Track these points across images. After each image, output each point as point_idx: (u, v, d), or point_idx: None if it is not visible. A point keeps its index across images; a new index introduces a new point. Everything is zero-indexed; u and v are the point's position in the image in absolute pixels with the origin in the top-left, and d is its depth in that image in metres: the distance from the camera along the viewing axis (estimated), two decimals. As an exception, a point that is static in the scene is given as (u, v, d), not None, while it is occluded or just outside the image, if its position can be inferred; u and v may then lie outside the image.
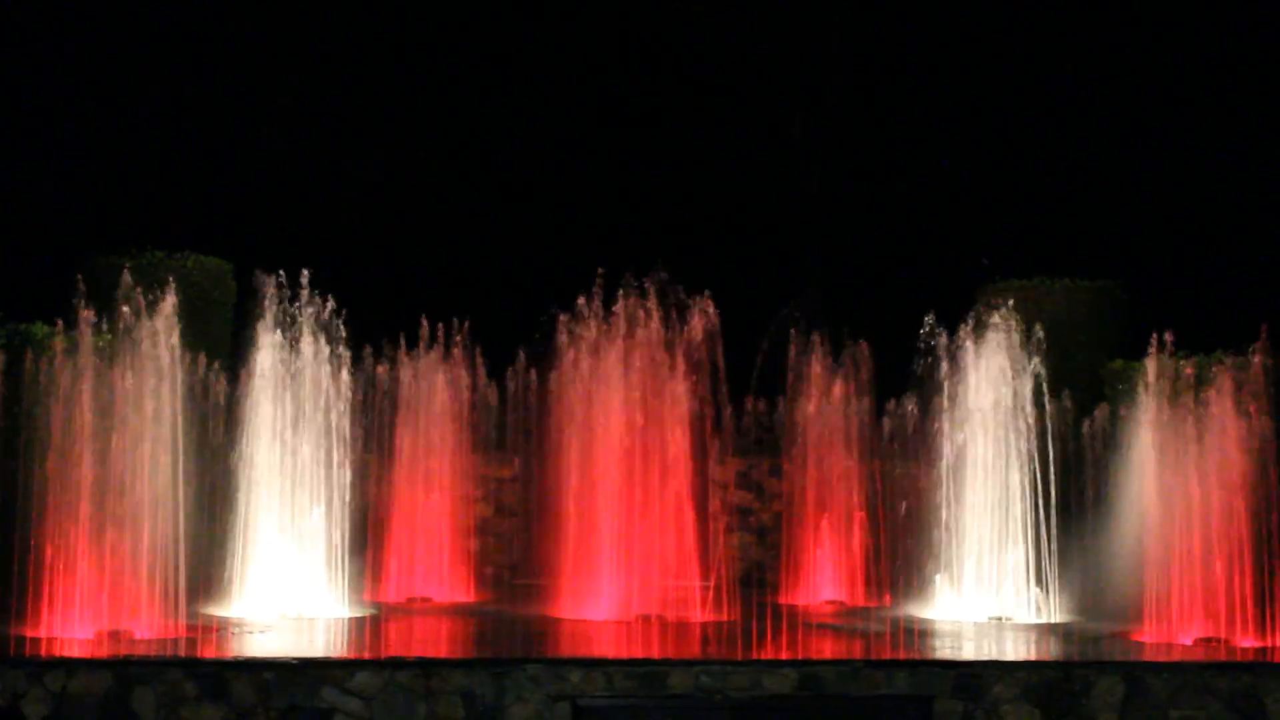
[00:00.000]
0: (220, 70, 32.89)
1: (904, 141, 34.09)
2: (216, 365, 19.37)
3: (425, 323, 21.95)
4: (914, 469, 21.56)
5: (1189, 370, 18.30)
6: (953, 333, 20.38)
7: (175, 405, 16.68)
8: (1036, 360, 19.98)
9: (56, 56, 31.90)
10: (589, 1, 34.39)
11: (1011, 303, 21.12)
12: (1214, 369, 18.01)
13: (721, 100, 34.73)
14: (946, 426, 20.29)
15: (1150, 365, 18.49)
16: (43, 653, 14.55)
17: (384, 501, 21.45)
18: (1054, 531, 19.62)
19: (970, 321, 20.46)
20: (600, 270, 19.55)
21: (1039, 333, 20.07)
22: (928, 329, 20.42)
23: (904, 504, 21.38)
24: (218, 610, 18.06)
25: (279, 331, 19.10)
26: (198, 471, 17.65)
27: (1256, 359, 17.80)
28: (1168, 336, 18.69)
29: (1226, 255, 30.66)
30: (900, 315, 22.07)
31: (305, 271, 19.17)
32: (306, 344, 19.16)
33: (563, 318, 19.98)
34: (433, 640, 17.35)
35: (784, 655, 15.59)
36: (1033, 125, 33.35)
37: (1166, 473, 17.66)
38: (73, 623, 15.72)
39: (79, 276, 17.20)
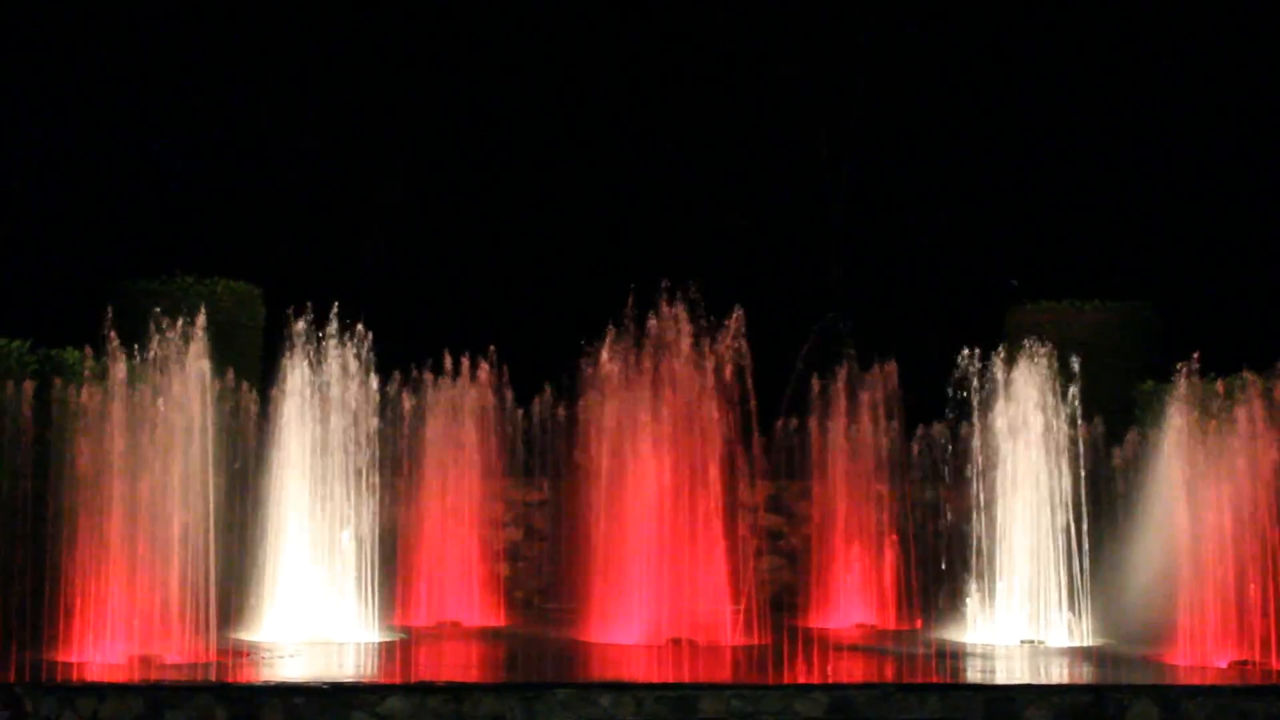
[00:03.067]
0: (248, 96, 33.05)
1: (931, 161, 34.05)
2: (246, 388, 19.40)
3: (453, 347, 21.96)
4: (945, 492, 21.49)
5: (1219, 391, 18.22)
6: (984, 356, 20.33)
7: (205, 431, 16.73)
8: (1067, 384, 19.91)
9: (85, 84, 32.09)
10: (615, 24, 34.47)
11: (1041, 325, 21.03)
12: (1245, 389, 17.89)
13: (747, 120, 34.76)
14: (977, 450, 20.22)
15: (1180, 387, 18.41)
16: (74, 678, 14.59)
17: (413, 526, 21.45)
18: (1086, 554, 19.52)
19: (1001, 345, 20.40)
20: (630, 294, 19.56)
21: (1070, 356, 20.00)
22: (960, 354, 20.36)
23: (934, 527, 21.34)
24: (248, 635, 18.08)
25: (308, 358, 19.15)
26: (227, 496, 17.70)
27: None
28: (1194, 357, 18.62)
29: (1257, 274, 30.53)
30: (929, 336, 22.03)
31: (334, 298, 19.25)
32: (335, 370, 19.21)
33: (591, 341, 19.98)
34: (463, 665, 17.32)
35: (815, 679, 15.57)
36: (1062, 145, 33.29)
37: (1198, 494, 17.56)
38: (104, 648, 15.75)
39: (108, 303, 17.26)
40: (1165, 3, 32.59)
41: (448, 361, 21.85)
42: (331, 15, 33.98)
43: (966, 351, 20.36)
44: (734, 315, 19.42)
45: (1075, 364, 19.98)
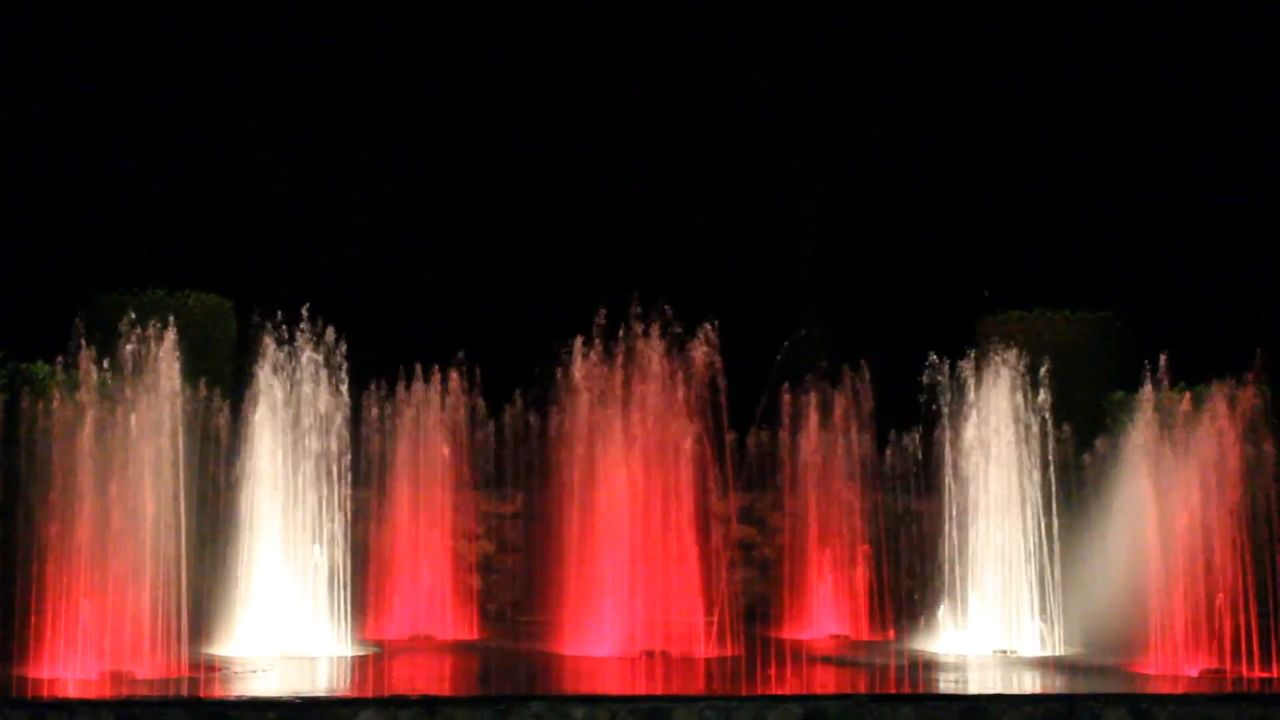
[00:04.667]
0: (221, 109, 32.98)
1: (902, 172, 34.13)
2: (216, 401, 19.30)
3: (424, 356, 21.92)
4: (917, 502, 21.53)
5: (1187, 400, 18.29)
6: (954, 366, 20.37)
7: (176, 445, 16.66)
8: (1038, 393, 19.97)
9: (58, 94, 31.99)
10: (588, 36, 34.49)
11: (1012, 334, 21.10)
12: (1213, 399, 17.98)
13: (719, 130, 34.81)
14: (949, 460, 20.27)
15: (1149, 396, 18.48)
16: (44, 694, 14.51)
17: (385, 539, 21.40)
18: (1057, 563, 19.57)
19: (972, 355, 20.45)
20: (601, 308, 19.56)
21: (1041, 365, 20.06)
22: (930, 363, 20.41)
23: (906, 537, 21.37)
24: (219, 650, 18.00)
25: (279, 371, 19.10)
26: (198, 512, 17.62)
27: (1249, 389, 17.79)
28: (1162, 365, 18.70)
29: (1227, 284, 30.67)
30: (901, 347, 22.08)
31: (305, 310, 19.21)
32: (307, 383, 19.16)
33: (563, 353, 19.96)
34: (436, 678, 17.30)
35: (788, 690, 15.57)
36: (1033, 156, 33.40)
37: (1168, 504, 17.63)
38: (75, 664, 15.67)
39: (79, 316, 17.18)
40: (1133, 15, 32.72)
41: (419, 372, 21.81)
42: (302, 28, 33.91)
43: (934, 357, 20.40)
44: (706, 326, 19.42)
45: (1044, 373, 20.05)
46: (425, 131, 34.55)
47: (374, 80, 34.41)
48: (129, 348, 16.76)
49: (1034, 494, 19.77)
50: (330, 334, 19.34)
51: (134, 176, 31.96)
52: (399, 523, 21.50)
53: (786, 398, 22.08)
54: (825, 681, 16.65)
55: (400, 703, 13.84)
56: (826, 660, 18.45)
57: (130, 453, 16.32)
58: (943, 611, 19.99)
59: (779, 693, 15.16)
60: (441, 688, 16.38)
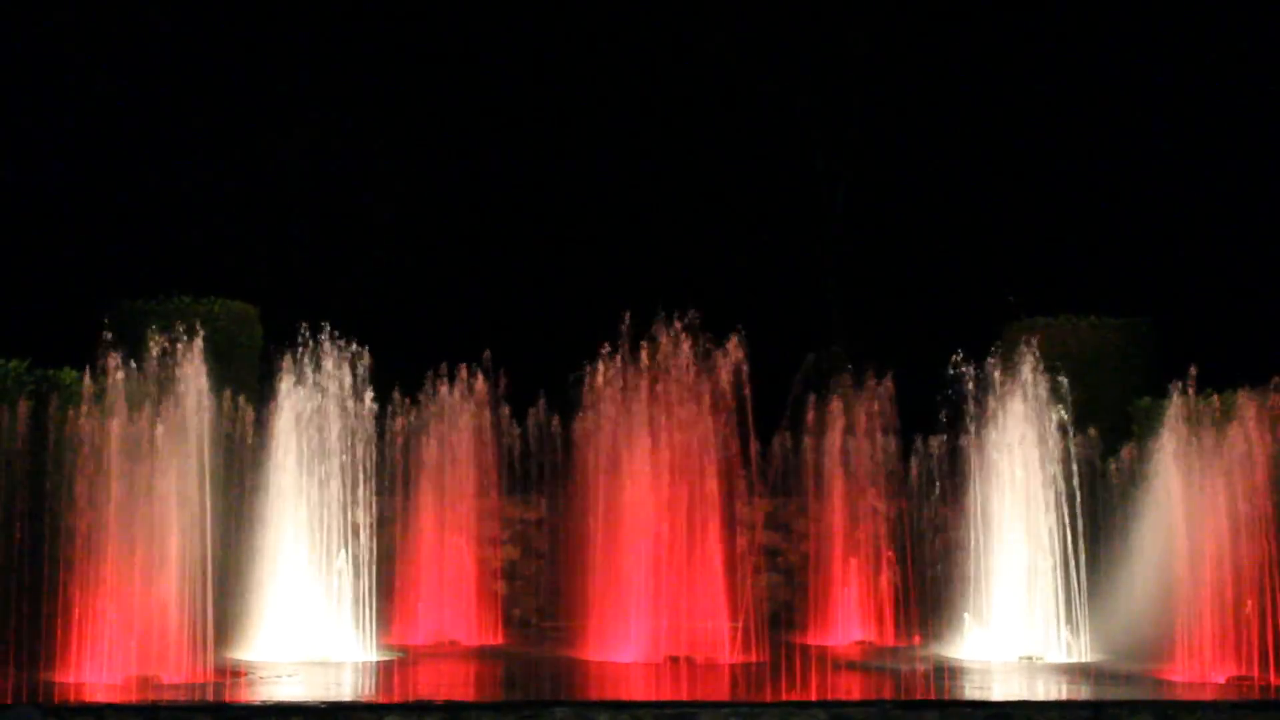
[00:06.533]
0: (243, 114, 33.07)
1: (927, 177, 34.07)
2: (242, 406, 19.34)
3: (449, 363, 21.94)
4: (942, 508, 21.49)
5: (1215, 407, 18.23)
6: (980, 372, 20.33)
7: (202, 451, 16.71)
8: (1064, 399, 19.92)
9: (83, 103, 32.12)
10: (612, 42, 34.53)
11: (1038, 341, 21.07)
12: (1240, 405, 17.91)
13: (743, 137, 34.80)
14: (974, 466, 20.23)
15: (1176, 403, 18.42)
16: (72, 698, 14.56)
17: (409, 545, 21.43)
18: (1083, 570, 19.51)
19: (997, 361, 20.41)
20: (626, 313, 19.56)
21: (1065, 372, 20.01)
22: (955, 368, 20.37)
23: (932, 543, 21.33)
24: (245, 655, 18.05)
25: (304, 379, 19.15)
26: (224, 517, 17.67)
27: (1275, 397, 17.73)
28: (1191, 373, 18.64)
29: (1254, 290, 30.55)
30: (926, 353, 22.05)
31: (328, 317, 19.27)
32: (331, 389, 19.20)
33: (588, 359, 19.98)
34: (461, 683, 17.30)
35: (813, 696, 15.54)
36: (1060, 161, 33.32)
37: (1195, 511, 17.57)
38: (102, 668, 15.72)
39: (104, 323, 17.25)
40: (1159, 19, 32.65)
41: (444, 379, 21.83)
42: (328, 33, 34.02)
43: (958, 357, 20.36)
44: (732, 334, 19.42)
45: (1068, 380, 20.00)
46: (451, 137, 34.59)
47: (398, 84, 34.47)
48: (155, 355, 16.82)
49: (1059, 500, 19.72)
50: (355, 341, 19.39)
51: (157, 183, 32.06)
52: (423, 528, 21.53)
53: (811, 404, 22.06)
54: (850, 687, 16.62)
55: (424, 708, 13.87)
56: (851, 666, 18.42)
57: (157, 459, 16.37)
58: (968, 617, 19.95)
59: (803, 699, 15.14)
60: (466, 693, 16.39)
